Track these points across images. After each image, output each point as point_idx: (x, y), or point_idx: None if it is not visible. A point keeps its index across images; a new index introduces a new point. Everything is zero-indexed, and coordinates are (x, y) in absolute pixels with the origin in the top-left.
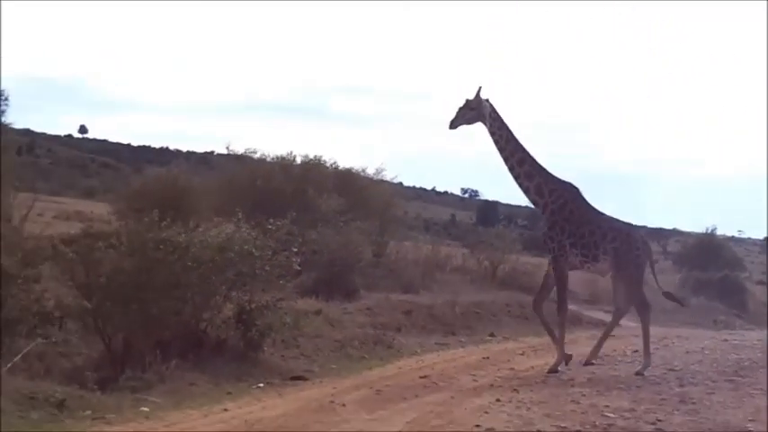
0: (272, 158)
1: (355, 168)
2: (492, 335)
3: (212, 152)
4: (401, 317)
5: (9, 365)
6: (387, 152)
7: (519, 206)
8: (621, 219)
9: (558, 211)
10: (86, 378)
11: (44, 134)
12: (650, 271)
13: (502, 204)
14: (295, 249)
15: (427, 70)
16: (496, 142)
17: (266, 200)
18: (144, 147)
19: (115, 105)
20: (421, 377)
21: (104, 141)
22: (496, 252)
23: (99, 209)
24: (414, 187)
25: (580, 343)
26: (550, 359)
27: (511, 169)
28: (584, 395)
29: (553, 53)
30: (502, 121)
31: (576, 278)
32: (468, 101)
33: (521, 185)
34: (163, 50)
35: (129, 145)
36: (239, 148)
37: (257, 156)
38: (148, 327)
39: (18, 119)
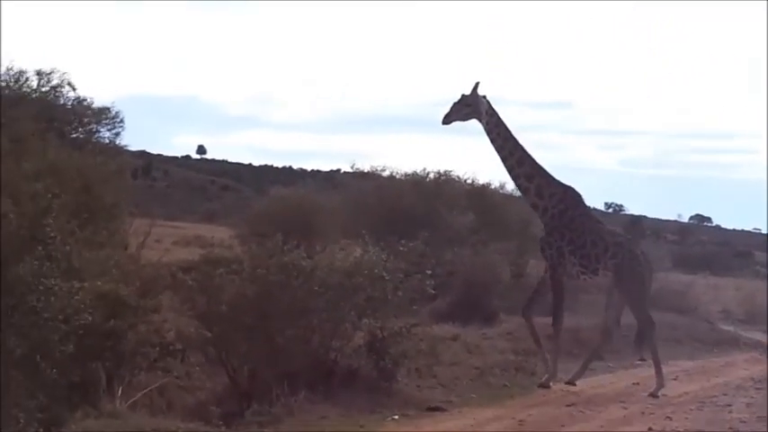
0: (402, 175)
1: (492, 184)
2: (642, 359)
3: (338, 170)
4: (544, 341)
5: (130, 401)
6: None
7: (667, 220)
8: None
9: (559, 216)
10: (210, 413)
11: (160, 156)
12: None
13: (648, 219)
14: (429, 272)
15: (568, 78)
16: (494, 141)
17: (396, 219)
18: (266, 167)
19: (233, 123)
20: (567, 405)
21: (224, 162)
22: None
23: (220, 233)
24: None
25: (737, 365)
26: (706, 383)
27: (510, 170)
28: (744, 421)
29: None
30: (499, 118)
31: (728, 297)
32: (464, 96)
33: (520, 186)
34: (280, 64)
35: (250, 165)
36: (366, 166)
37: (386, 173)
38: (274, 357)
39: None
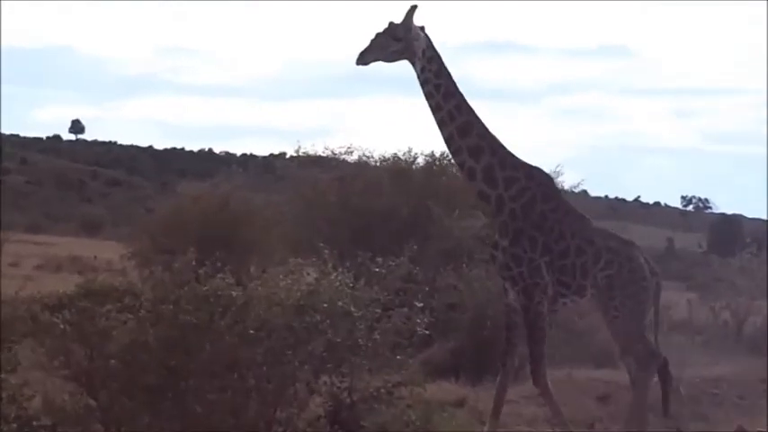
0: (378, 160)
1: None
2: (741, 429)
3: (281, 155)
4: (594, 405)
5: None
6: (562, 146)
7: None
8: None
9: (523, 212)
10: None
11: (14, 137)
12: (652, 313)
13: (748, 220)
14: (419, 303)
15: (623, 12)
16: (429, 95)
17: (368, 226)
18: (174, 150)
19: (126, 87)
20: None
21: (111, 145)
22: (741, 297)
23: (106, 251)
24: (606, 198)
25: None
26: None
27: (449, 139)
28: None
29: None
30: (442, 64)
31: None
32: (392, 26)
33: (461, 165)
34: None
35: (150, 149)
36: (322, 147)
37: (353, 157)
38: None
39: None
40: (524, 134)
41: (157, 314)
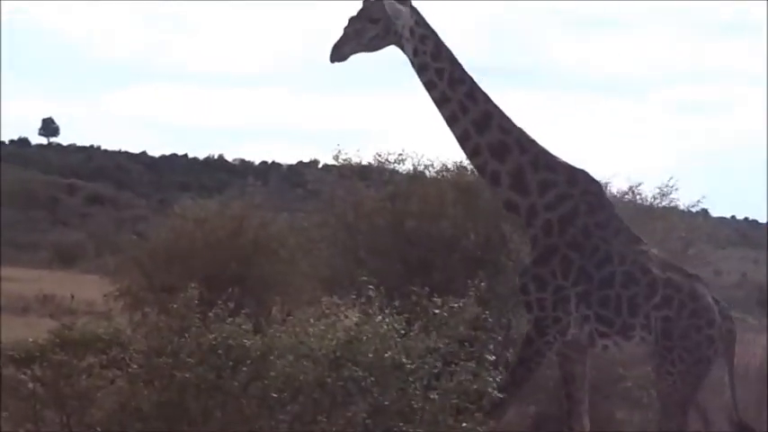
0: (439, 171)
1: (609, 183)
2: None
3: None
4: None
5: None
6: (675, 153)
7: None
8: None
9: (560, 225)
10: None
11: None
12: (726, 370)
13: None
14: (491, 356)
15: None
16: (430, 83)
17: (427, 256)
18: (174, 157)
19: (111, 76)
20: None
21: (93, 150)
22: None
23: (86, 288)
24: (734, 220)
25: None
26: None
27: (463, 138)
28: None
29: None
30: (438, 41)
31: None
32: (366, 5)
33: (482, 168)
34: None
35: (143, 155)
36: (366, 154)
37: (406, 167)
38: None
39: None
40: (625, 137)
41: (152, 370)
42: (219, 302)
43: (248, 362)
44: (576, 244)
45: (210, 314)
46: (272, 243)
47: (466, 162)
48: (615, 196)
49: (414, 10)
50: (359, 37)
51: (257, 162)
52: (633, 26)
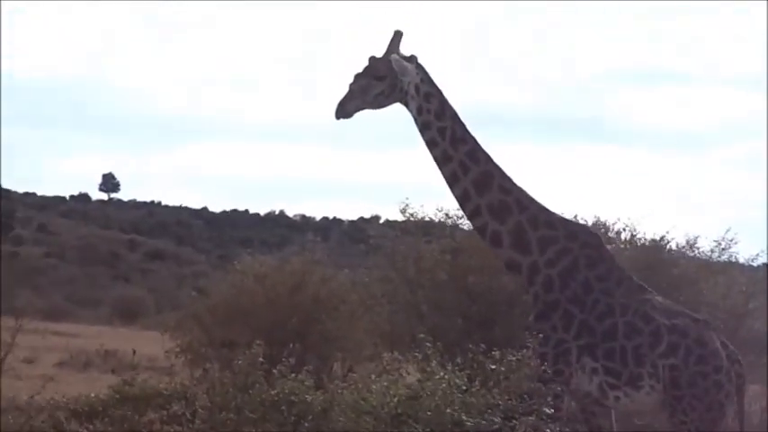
0: None
1: (665, 239)
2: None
3: (373, 219)
4: None
5: None
6: (734, 203)
7: None
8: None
9: (561, 281)
10: None
11: (30, 196)
12: (736, 411)
13: None
14: (550, 410)
15: None
16: (432, 142)
17: (489, 312)
18: (234, 213)
19: (171, 131)
20: None
21: (154, 206)
22: None
23: (147, 343)
24: None
25: None
26: None
27: (463, 198)
28: None
29: None
30: (443, 100)
31: None
32: (372, 62)
33: (482, 229)
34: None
35: (204, 211)
36: (430, 209)
37: (466, 222)
38: None
39: None
40: (685, 189)
41: (216, 426)
42: (282, 359)
43: (310, 417)
44: (576, 299)
45: (275, 371)
46: (333, 299)
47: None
48: (673, 251)
49: (420, 67)
50: (364, 94)
51: (318, 218)
52: (691, 78)
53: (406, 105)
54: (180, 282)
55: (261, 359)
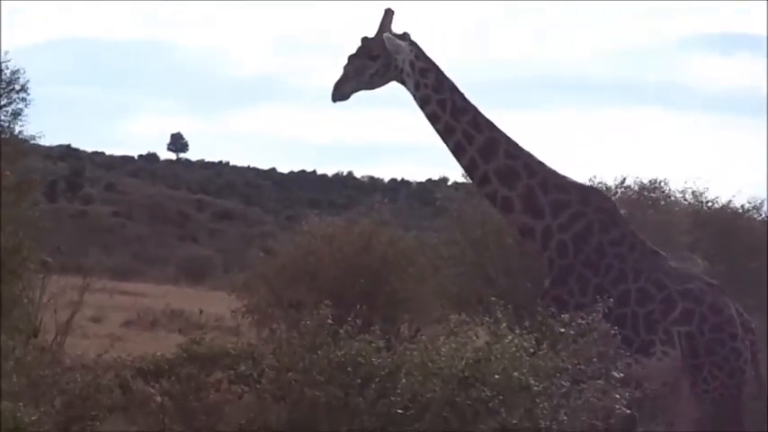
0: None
1: (717, 199)
2: None
3: (441, 180)
4: None
5: None
6: None
7: None
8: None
9: (575, 245)
10: None
11: (99, 155)
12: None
13: None
14: (619, 374)
15: None
16: (434, 116)
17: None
18: (302, 174)
19: (240, 91)
20: None
21: (221, 166)
22: None
23: (214, 304)
24: None
25: None
26: None
27: (470, 167)
28: None
29: None
30: (439, 73)
31: None
32: (365, 42)
33: (492, 195)
34: None
35: (272, 171)
36: None
37: None
38: None
39: (48, 127)
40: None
41: (282, 386)
42: (349, 319)
43: (376, 379)
44: (590, 263)
45: (341, 331)
46: (401, 260)
47: (595, 180)
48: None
49: (413, 44)
50: (359, 75)
51: (386, 179)
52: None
53: (403, 83)
54: (247, 242)
55: (329, 320)
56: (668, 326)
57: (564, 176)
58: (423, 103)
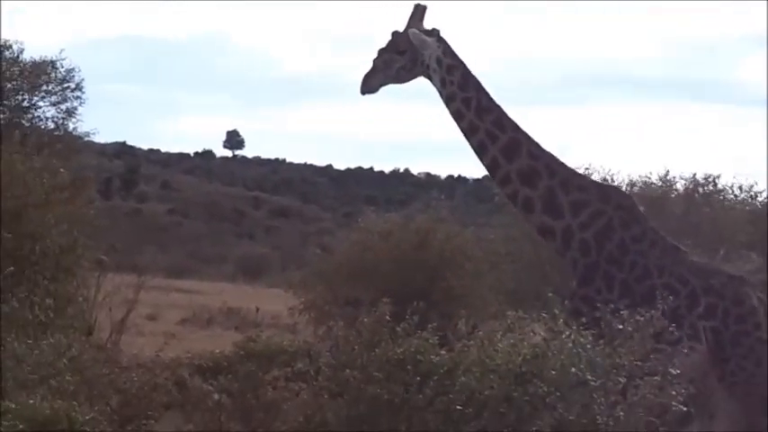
0: (624, 185)
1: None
2: None
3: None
4: None
5: None
6: None
7: None
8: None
9: (597, 243)
10: None
11: (155, 153)
12: None
13: None
14: (675, 370)
15: None
16: (458, 113)
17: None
18: (359, 171)
19: (298, 89)
20: None
21: (278, 163)
22: None
23: (271, 301)
24: None
25: None
26: None
27: (492, 166)
28: None
29: None
30: (466, 70)
31: None
32: (395, 36)
33: (513, 196)
34: None
35: (329, 168)
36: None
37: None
38: None
39: (103, 123)
40: None
41: (341, 384)
42: (407, 316)
43: (435, 377)
44: (614, 260)
45: (399, 328)
46: (458, 256)
47: (652, 176)
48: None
49: (441, 40)
50: (387, 69)
51: (443, 176)
52: None
53: (430, 79)
54: (304, 239)
55: (388, 317)
56: (694, 320)
57: (585, 176)
58: (448, 101)
